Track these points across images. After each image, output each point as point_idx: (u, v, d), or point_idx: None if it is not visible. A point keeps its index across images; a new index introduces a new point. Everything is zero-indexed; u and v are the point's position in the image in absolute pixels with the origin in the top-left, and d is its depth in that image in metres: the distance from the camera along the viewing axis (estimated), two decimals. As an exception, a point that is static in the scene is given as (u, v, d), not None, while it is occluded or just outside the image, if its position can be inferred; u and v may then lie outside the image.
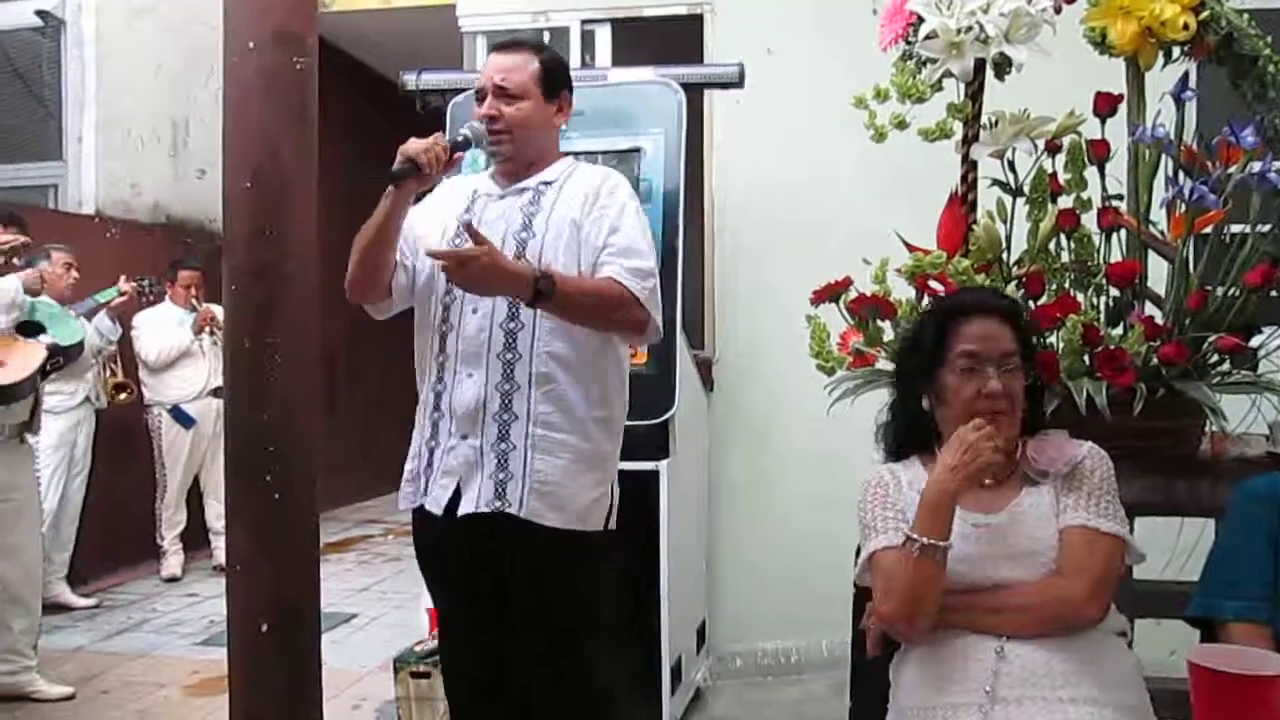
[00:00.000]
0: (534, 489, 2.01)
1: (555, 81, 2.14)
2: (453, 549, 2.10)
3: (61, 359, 3.28)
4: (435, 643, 3.35)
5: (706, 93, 3.74)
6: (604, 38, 3.94)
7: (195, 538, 5.53)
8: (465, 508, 2.03)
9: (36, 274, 3.35)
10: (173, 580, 5.31)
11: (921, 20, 2.22)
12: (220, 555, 5.47)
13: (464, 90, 3.27)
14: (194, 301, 5.34)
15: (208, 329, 5.28)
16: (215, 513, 5.48)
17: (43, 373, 3.22)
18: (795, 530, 3.77)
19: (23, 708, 3.51)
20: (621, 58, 3.95)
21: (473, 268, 1.86)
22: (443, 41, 5.04)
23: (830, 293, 2.32)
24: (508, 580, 2.09)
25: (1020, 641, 1.58)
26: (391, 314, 2.20)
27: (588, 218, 2.06)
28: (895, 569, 1.62)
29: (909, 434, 1.83)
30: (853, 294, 2.30)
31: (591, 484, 2.07)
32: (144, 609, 4.82)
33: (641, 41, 4.02)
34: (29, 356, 3.11)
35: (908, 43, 2.30)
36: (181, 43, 6.25)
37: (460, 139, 2.05)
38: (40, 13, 5.69)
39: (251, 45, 2.40)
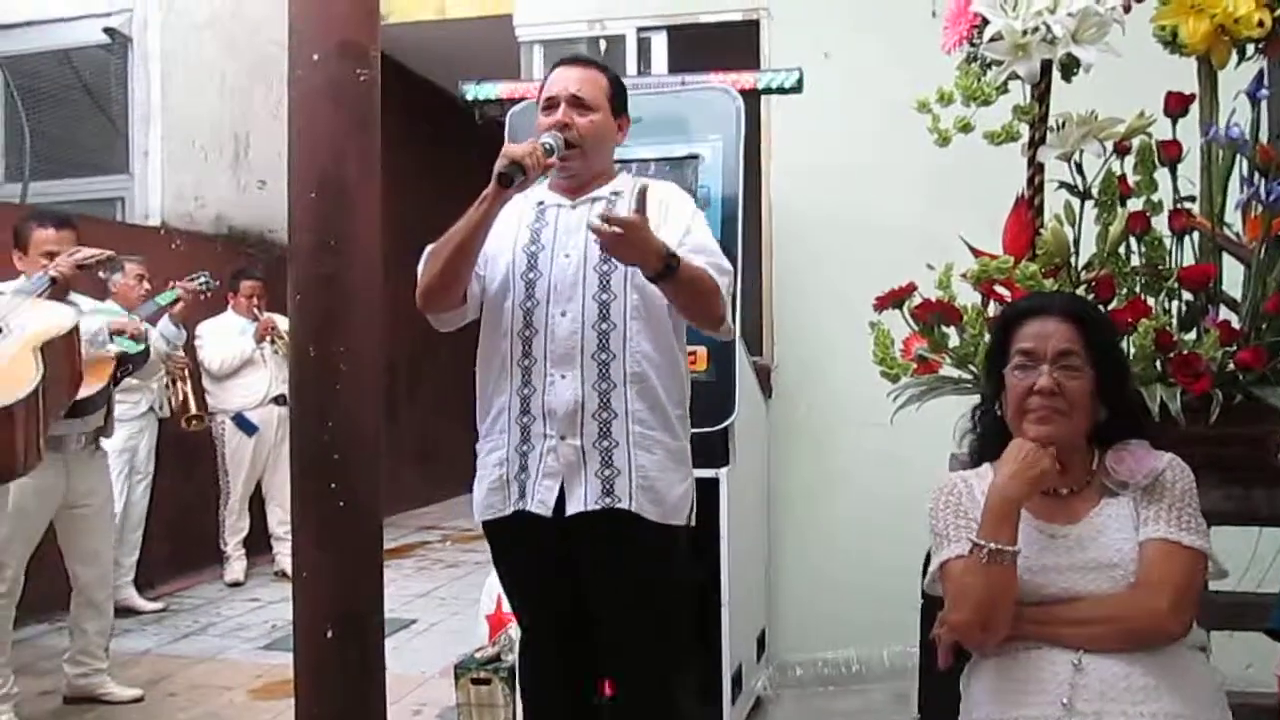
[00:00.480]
0: (639, 484, 2.06)
1: (621, 99, 2.23)
2: (557, 549, 2.11)
3: (131, 366, 3.35)
4: (495, 649, 3.38)
5: (763, 98, 3.73)
6: (660, 45, 3.94)
7: (257, 543, 5.62)
8: (574, 507, 2.06)
9: (132, 325, 3.46)
10: (236, 585, 5.40)
11: (986, 22, 2.18)
12: (282, 561, 5.56)
13: (522, 100, 3.30)
14: (255, 311, 5.44)
15: (269, 338, 5.37)
16: (277, 519, 5.57)
17: (114, 380, 3.29)
18: (855, 537, 3.74)
19: (94, 710, 3.59)
20: (677, 65, 3.95)
21: (633, 234, 1.89)
22: (496, 52, 5.08)
23: (894, 299, 2.29)
24: (603, 575, 2.12)
25: (1098, 654, 1.54)
26: (458, 326, 2.21)
27: (665, 222, 2.09)
28: (966, 577, 1.60)
29: (986, 440, 1.80)
30: (917, 300, 2.27)
31: (679, 479, 2.13)
32: (209, 613, 4.90)
33: (697, 48, 4.02)
34: (101, 367, 3.18)
35: (971, 45, 2.27)
36: (243, 57, 6.37)
37: (547, 146, 2.06)
38: (108, 30, 5.83)
39: (316, 58, 2.44)
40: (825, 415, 3.80)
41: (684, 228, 2.11)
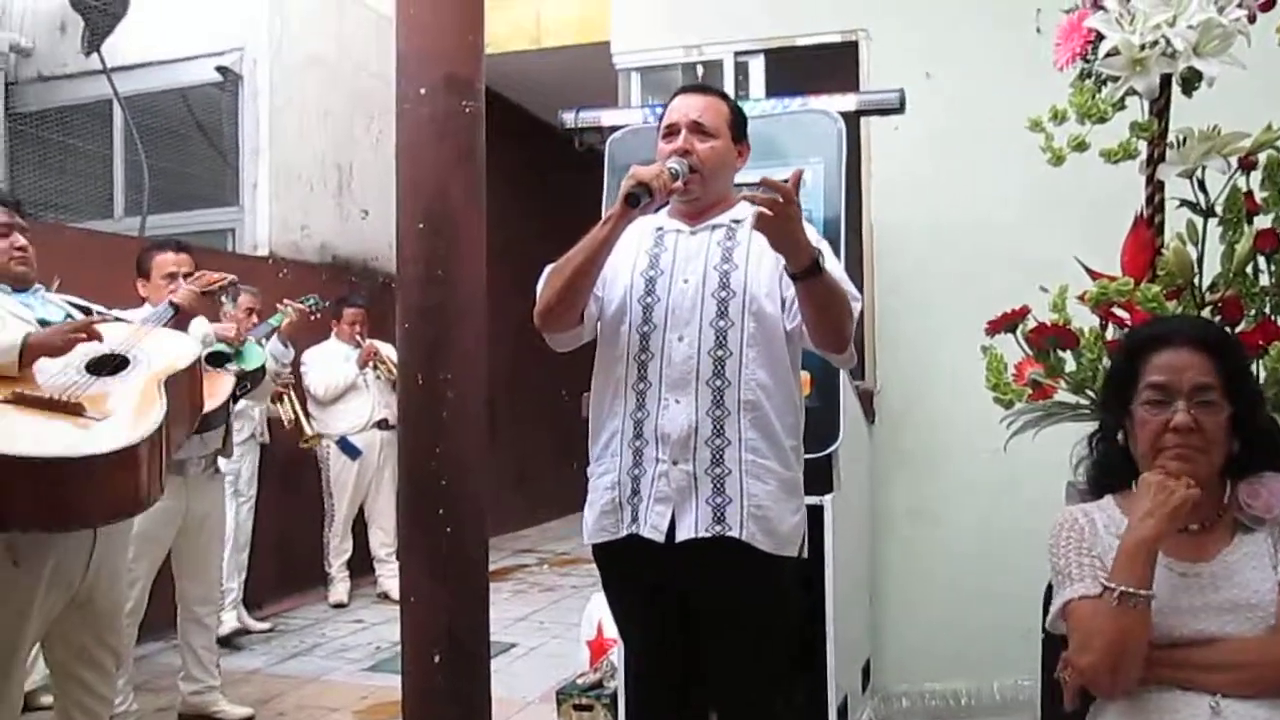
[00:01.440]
0: (751, 513, 2.04)
1: (741, 126, 2.23)
2: (667, 575, 2.10)
3: (248, 383, 3.45)
4: (597, 675, 3.38)
5: (863, 119, 3.68)
6: (757, 69, 3.93)
7: (360, 565, 5.73)
8: (684, 533, 2.04)
9: (232, 328, 3.56)
10: (339, 606, 5.51)
11: (1101, 37, 2.12)
12: (384, 583, 5.66)
13: (622, 127, 3.32)
14: (358, 338, 5.57)
15: (371, 363, 5.50)
16: (379, 541, 5.68)
17: (233, 398, 3.39)
18: (963, 566, 3.64)
19: (207, 728, 3.69)
20: (774, 88, 3.93)
21: (792, 210, 1.86)
22: (591, 79, 5.13)
23: (1007, 322, 2.23)
24: (713, 605, 2.10)
25: (1237, 699, 1.46)
26: (575, 346, 2.22)
27: None
28: (1094, 620, 1.53)
29: (1106, 471, 1.73)
30: (1031, 323, 2.21)
31: (792, 510, 2.11)
32: (314, 634, 5.01)
33: (794, 71, 4.00)
34: (219, 386, 3.27)
35: (1086, 61, 2.20)
36: (344, 91, 6.56)
37: (673, 169, 2.06)
38: (220, 69, 6.05)
39: (423, 91, 2.49)
40: (930, 440, 3.72)
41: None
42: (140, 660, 3.96)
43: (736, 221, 2.17)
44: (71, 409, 2.23)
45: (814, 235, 2.09)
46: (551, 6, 6.84)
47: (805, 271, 1.93)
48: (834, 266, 2.09)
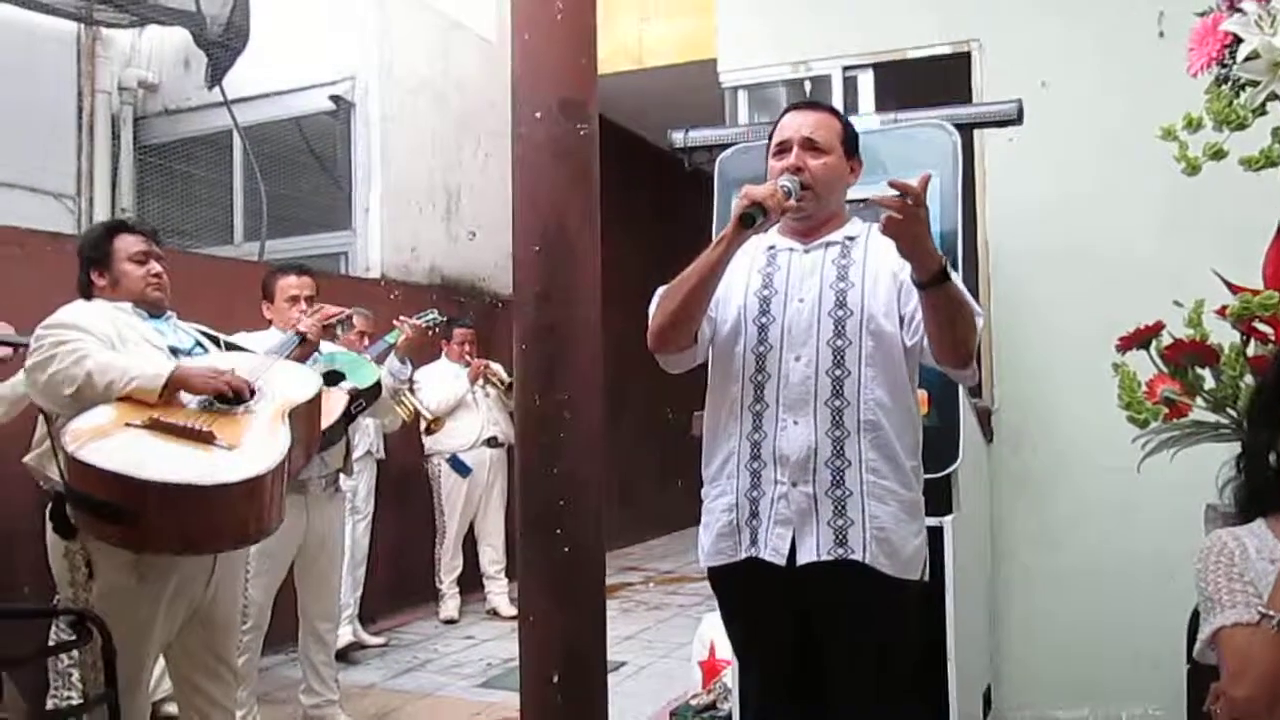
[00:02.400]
0: (873, 535, 2.01)
1: (853, 142, 2.20)
2: (788, 598, 2.08)
3: (364, 401, 3.53)
4: (710, 697, 3.36)
5: (977, 131, 3.61)
6: (866, 83, 3.88)
7: (469, 581, 5.81)
8: (805, 556, 2.02)
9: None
10: (450, 622, 5.59)
11: (1239, 41, 2.04)
12: (493, 599, 5.73)
13: (730, 145, 3.31)
14: (468, 357, 5.66)
15: (481, 379, 5.58)
16: (489, 558, 5.75)
17: (349, 417, 3.47)
18: (1088, 588, 3.51)
19: (328, 740, 3.77)
20: (884, 102, 3.88)
21: (921, 213, 1.84)
22: (693, 97, 5.14)
23: (1140, 338, 2.15)
24: (834, 629, 2.07)
25: None
26: (688, 368, 2.21)
27: (906, 269, 2.03)
28: (1249, 649, 1.46)
29: (1257, 493, 1.65)
30: (1166, 339, 2.13)
31: (914, 532, 2.07)
32: (426, 650, 5.09)
33: (904, 84, 3.94)
34: (332, 404, 3.34)
35: (1222, 66, 2.12)
36: (452, 115, 6.71)
37: (786, 188, 2.04)
38: (333, 97, 6.25)
39: (539, 115, 2.53)
40: (1050, 459, 3.61)
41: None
42: (261, 672, 4.06)
43: (850, 238, 2.15)
44: (203, 437, 2.30)
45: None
46: (654, 27, 6.90)
47: (933, 279, 1.89)
48: (957, 279, 2.05)
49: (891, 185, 1.82)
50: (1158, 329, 2.14)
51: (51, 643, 3.50)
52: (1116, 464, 3.38)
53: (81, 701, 3.30)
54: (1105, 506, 3.46)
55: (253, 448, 2.33)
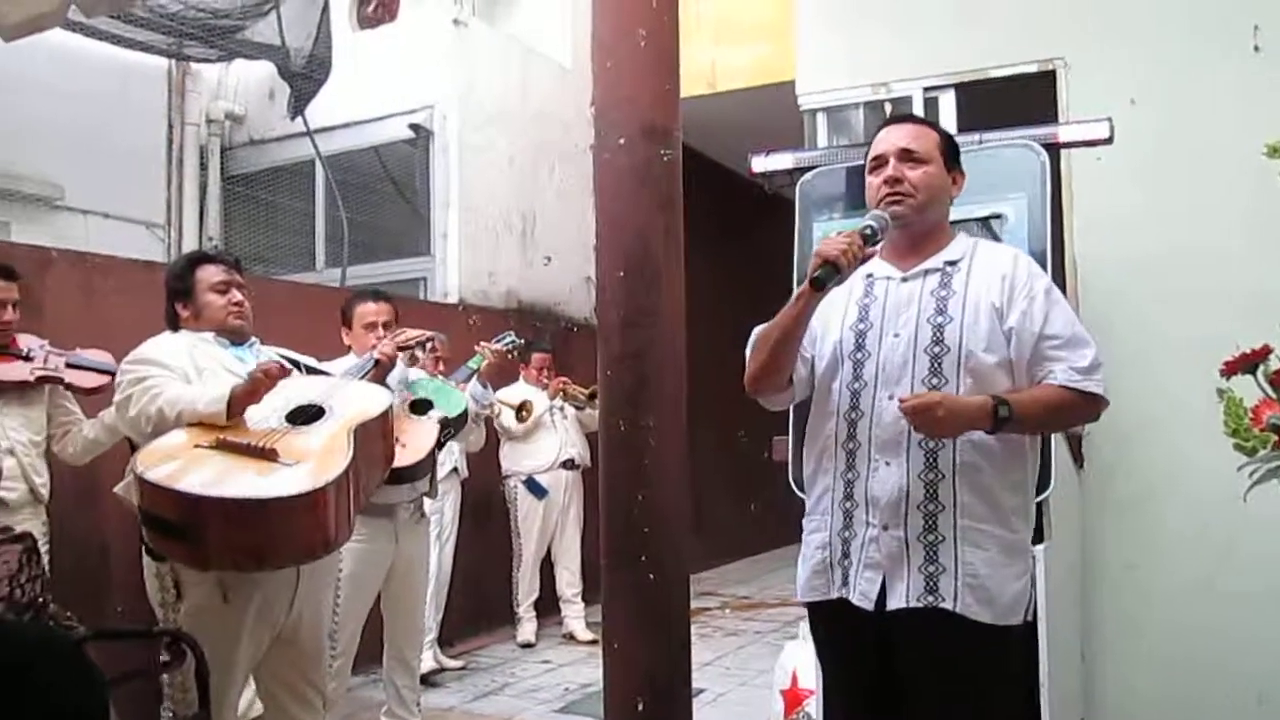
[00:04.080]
0: (966, 583, 1.93)
1: (954, 153, 2.14)
2: (875, 643, 2.02)
3: (451, 430, 3.55)
4: (793, 727, 3.30)
5: (1064, 151, 3.54)
6: (948, 104, 3.83)
7: (545, 605, 5.81)
8: (895, 602, 1.96)
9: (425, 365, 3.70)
10: (527, 646, 5.59)
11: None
12: (569, 623, 5.73)
13: (810, 169, 3.28)
14: (544, 381, 5.69)
15: (560, 395, 5.61)
16: (565, 581, 5.75)
17: (438, 444, 3.50)
18: (1184, 622, 3.39)
19: (409, 763, 3.79)
20: (966, 123, 3.82)
21: (932, 416, 1.85)
22: (767, 121, 5.10)
23: (1246, 363, 2.07)
24: (924, 676, 1.99)
25: None
26: (787, 406, 2.19)
27: (1011, 304, 1.99)
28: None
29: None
30: (1274, 363, 2.05)
31: (1014, 575, 1.98)
32: (504, 673, 5.09)
33: (987, 104, 3.88)
34: (424, 435, 3.38)
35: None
36: (528, 140, 6.79)
37: (868, 231, 1.98)
38: (412, 126, 6.37)
39: (622, 141, 2.54)
40: (1144, 488, 3.50)
41: (1041, 316, 1.98)
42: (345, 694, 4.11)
43: (951, 263, 2.06)
44: (267, 454, 2.37)
45: (1043, 288, 2.02)
46: (728, 51, 6.90)
47: (994, 429, 1.90)
48: (1046, 326, 1.99)
49: (900, 406, 1.89)
50: (1265, 353, 2.05)
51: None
52: (1216, 494, 3.29)
53: (173, 721, 3.38)
54: (1203, 539, 3.34)
55: (314, 463, 2.38)
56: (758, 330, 2.10)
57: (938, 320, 2.01)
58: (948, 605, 1.93)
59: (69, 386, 3.37)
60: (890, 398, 1.99)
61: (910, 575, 1.95)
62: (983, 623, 1.93)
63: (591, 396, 5.57)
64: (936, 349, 1.99)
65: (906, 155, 2.06)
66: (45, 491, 3.34)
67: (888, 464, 1.98)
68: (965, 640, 1.93)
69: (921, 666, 1.98)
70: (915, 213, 2.05)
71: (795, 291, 2.02)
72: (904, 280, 2.08)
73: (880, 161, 2.08)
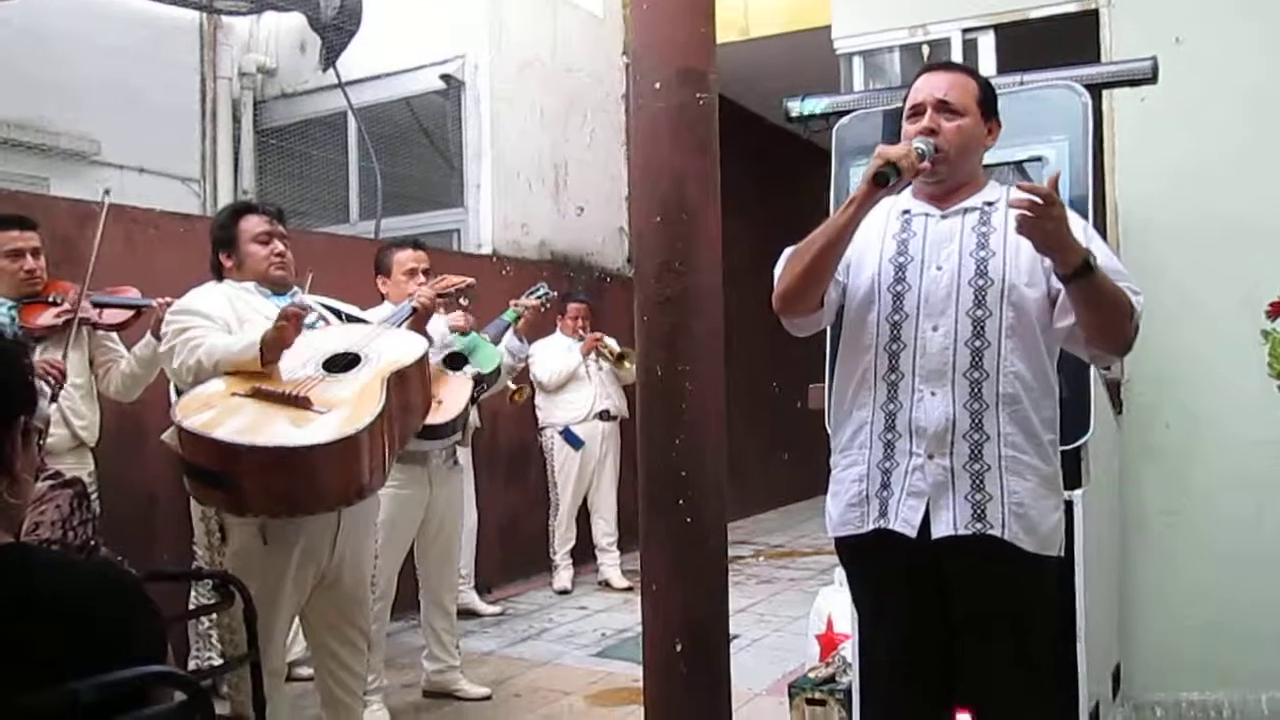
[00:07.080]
0: (1012, 510, 1.98)
1: (991, 103, 2.13)
2: (916, 570, 2.05)
3: (485, 385, 3.58)
4: (829, 670, 3.34)
5: (1106, 93, 3.47)
6: (987, 45, 3.77)
7: (581, 553, 5.88)
8: (941, 530, 1.99)
9: (461, 317, 3.70)
10: (564, 593, 5.68)
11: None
12: (605, 571, 5.80)
13: (848, 112, 3.25)
14: (581, 332, 5.71)
15: (594, 351, 5.63)
16: (601, 530, 5.82)
17: (473, 400, 3.53)
18: (1224, 567, 3.38)
19: (450, 704, 3.88)
20: (1006, 65, 3.76)
21: (1055, 211, 1.82)
22: (800, 66, 5.05)
23: (1293, 304, 2.05)
24: (971, 601, 2.04)
25: None
26: (814, 331, 2.19)
27: None
28: None
29: None
30: (1321, 304, 2.03)
31: (1052, 507, 2.03)
32: (542, 619, 5.17)
33: (1027, 45, 3.81)
34: (459, 391, 3.40)
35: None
36: (560, 90, 6.74)
37: (919, 151, 1.99)
38: (444, 76, 6.34)
39: (658, 85, 2.52)
40: (1183, 433, 3.47)
41: (1083, 240, 1.96)
42: (385, 639, 4.18)
43: (989, 204, 2.08)
44: (301, 403, 2.41)
45: (1080, 227, 1.98)
46: (761, -4, 6.81)
47: (1075, 273, 1.85)
48: (1108, 261, 1.98)
49: (1020, 189, 1.81)
50: (1313, 294, 2.04)
51: (192, 606, 3.67)
52: (1254, 437, 3.26)
53: (223, 662, 3.47)
54: (1243, 481, 3.32)
55: (347, 410, 2.41)
56: (791, 248, 2.10)
57: (980, 254, 2.03)
58: (995, 532, 1.97)
59: (95, 325, 3.39)
60: (934, 329, 2.01)
61: (956, 503, 1.98)
62: (1026, 550, 1.97)
63: (620, 358, 5.57)
64: (980, 281, 2.01)
65: (943, 106, 2.06)
66: (87, 435, 3.35)
67: (933, 394, 2.00)
68: (1012, 565, 1.98)
69: (969, 588, 2.02)
70: (948, 167, 2.06)
71: (849, 195, 2.01)
72: (944, 216, 2.10)
73: (918, 110, 2.09)
